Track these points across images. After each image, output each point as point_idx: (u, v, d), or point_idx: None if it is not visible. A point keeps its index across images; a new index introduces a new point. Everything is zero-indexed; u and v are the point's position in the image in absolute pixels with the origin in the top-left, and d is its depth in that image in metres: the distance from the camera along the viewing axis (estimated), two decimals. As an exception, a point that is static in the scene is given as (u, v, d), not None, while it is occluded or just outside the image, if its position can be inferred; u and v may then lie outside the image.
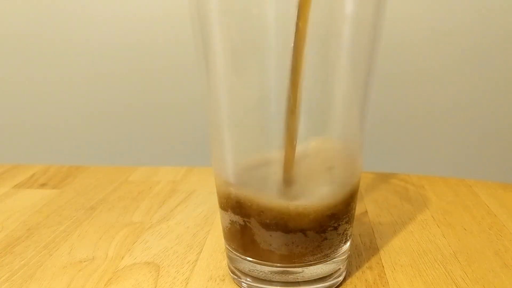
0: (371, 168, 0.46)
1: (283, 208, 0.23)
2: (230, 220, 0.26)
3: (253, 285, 0.26)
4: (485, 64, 0.58)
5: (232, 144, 0.24)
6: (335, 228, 0.25)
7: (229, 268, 0.28)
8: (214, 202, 0.39)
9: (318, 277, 0.26)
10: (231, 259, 0.27)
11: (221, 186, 0.26)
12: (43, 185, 0.43)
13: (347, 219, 0.26)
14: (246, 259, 0.26)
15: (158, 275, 0.28)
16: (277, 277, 0.25)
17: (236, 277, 0.27)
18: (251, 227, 0.25)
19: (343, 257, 0.27)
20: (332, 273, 0.26)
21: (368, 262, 0.29)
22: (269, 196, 0.23)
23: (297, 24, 0.20)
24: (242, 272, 0.26)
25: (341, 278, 0.27)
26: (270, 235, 0.24)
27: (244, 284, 0.26)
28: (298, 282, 0.25)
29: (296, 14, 0.20)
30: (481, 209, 0.37)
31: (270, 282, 0.25)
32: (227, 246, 0.27)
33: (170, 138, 0.65)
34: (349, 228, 0.26)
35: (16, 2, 0.61)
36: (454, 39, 0.57)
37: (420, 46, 0.58)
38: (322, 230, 0.24)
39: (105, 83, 0.63)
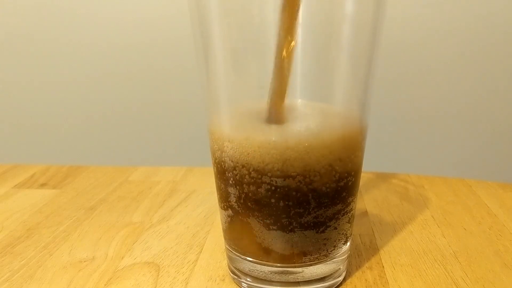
0: (371, 168, 0.46)
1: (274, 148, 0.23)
2: (230, 216, 0.26)
3: (253, 285, 0.26)
4: (485, 64, 0.58)
5: (232, 143, 0.24)
6: (335, 228, 0.25)
7: (229, 268, 0.28)
8: (214, 202, 0.39)
9: (318, 277, 0.26)
10: (231, 259, 0.27)
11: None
12: (43, 185, 0.43)
13: (347, 219, 0.26)
14: (246, 259, 0.26)
15: (158, 275, 0.28)
16: (277, 277, 0.25)
17: (236, 277, 0.27)
18: (250, 223, 0.25)
19: (343, 257, 0.27)
20: (332, 273, 0.26)
21: (368, 262, 0.29)
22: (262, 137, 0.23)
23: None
24: (242, 272, 0.26)
25: (341, 278, 0.27)
26: (270, 233, 0.24)
27: (244, 284, 0.26)
28: (298, 282, 0.25)
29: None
30: (481, 209, 0.37)
31: (270, 282, 0.26)
32: (227, 246, 0.27)
33: (170, 138, 0.65)
34: (349, 228, 0.26)
35: (16, 2, 0.61)
36: (454, 39, 0.57)
37: (420, 46, 0.58)
38: (322, 230, 0.25)
39: (105, 83, 0.63)
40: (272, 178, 0.23)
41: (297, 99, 0.23)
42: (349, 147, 0.24)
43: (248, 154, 0.23)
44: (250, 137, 0.23)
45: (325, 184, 0.23)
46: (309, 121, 0.23)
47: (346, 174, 0.24)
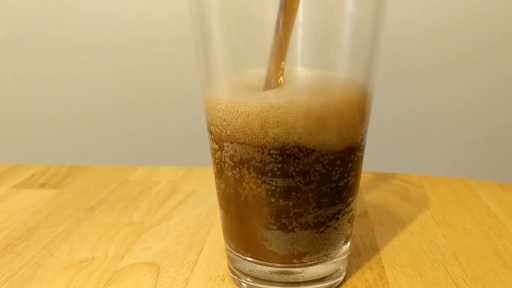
0: (371, 168, 0.46)
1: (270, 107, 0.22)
2: (230, 216, 0.26)
3: (253, 285, 0.26)
4: (485, 64, 0.58)
5: (232, 145, 0.24)
6: (335, 228, 0.25)
7: (229, 268, 0.28)
8: (214, 202, 0.39)
9: (318, 277, 0.26)
10: (231, 259, 0.27)
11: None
12: (43, 185, 0.43)
13: (347, 219, 0.26)
14: (246, 259, 0.26)
15: (158, 275, 0.28)
16: (277, 277, 0.25)
17: (236, 277, 0.27)
18: (250, 223, 0.25)
19: (343, 257, 0.27)
20: (332, 273, 0.26)
21: (368, 262, 0.29)
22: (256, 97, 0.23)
23: None
24: (242, 272, 0.26)
25: (341, 278, 0.27)
26: (270, 233, 0.24)
27: (244, 284, 0.26)
28: (298, 282, 0.25)
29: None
30: (481, 209, 0.37)
31: (270, 282, 0.25)
32: (227, 246, 0.27)
33: (170, 138, 0.65)
34: (349, 228, 0.26)
35: (16, 2, 0.61)
36: (454, 39, 0.57)
37: (420, 45, 0.58)
38: (322, 230, 0.24)
39: (105, 83, 0.63)
40: (272, 178, 0.23)
41: (297, 66, 0.23)
42: (353, 113, 0.23)
43: (247, 129, 0.23)
44: (249, 102, 0.22)
45: (325, 184, 0.23)
46: (311, 85, 0.23)
47: (346, 174, 0.24)
